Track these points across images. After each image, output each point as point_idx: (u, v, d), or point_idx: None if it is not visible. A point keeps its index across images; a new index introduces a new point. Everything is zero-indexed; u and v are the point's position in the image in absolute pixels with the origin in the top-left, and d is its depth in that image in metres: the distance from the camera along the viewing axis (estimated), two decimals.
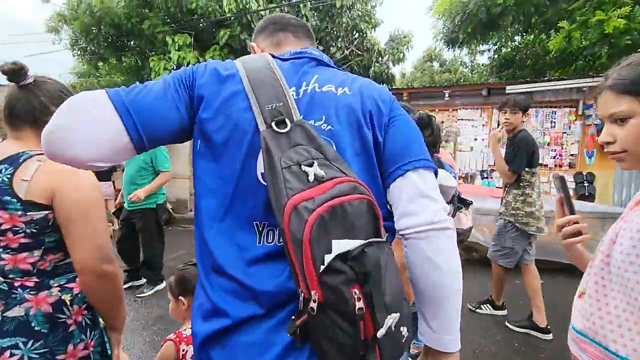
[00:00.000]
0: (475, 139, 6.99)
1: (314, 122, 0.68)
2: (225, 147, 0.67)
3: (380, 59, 10.37)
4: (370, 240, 0.56)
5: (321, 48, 9.36)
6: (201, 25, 8.46)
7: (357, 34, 10.14)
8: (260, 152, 0.64)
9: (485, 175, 6.91)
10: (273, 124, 0.63)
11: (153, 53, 8.70)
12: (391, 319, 0.55)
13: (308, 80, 0.72)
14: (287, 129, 0.63)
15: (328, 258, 0.52)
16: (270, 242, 0.66)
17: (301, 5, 8.43)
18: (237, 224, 0.67)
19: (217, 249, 0.67)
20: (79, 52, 10.25)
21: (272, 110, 0.64)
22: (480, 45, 11.15)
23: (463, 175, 6.98)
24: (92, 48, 10.14)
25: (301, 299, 0.56)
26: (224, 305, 0.65)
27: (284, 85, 0.68)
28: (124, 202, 3.38)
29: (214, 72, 0.70)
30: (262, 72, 0.69)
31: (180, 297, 1.47)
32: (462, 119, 7.08)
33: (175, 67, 8.33)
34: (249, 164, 0.67)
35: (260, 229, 0.67)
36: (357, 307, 0.52)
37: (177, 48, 8.06)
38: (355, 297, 0.52)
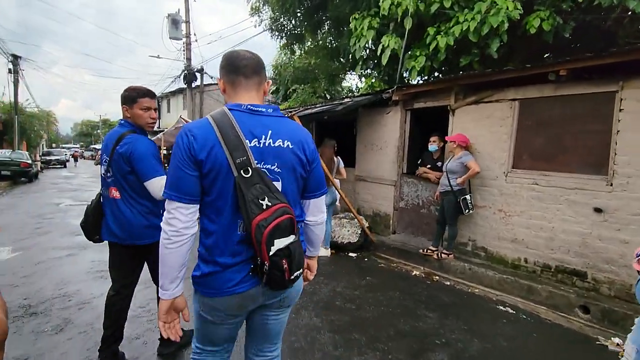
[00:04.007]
0: None
1: (270, 166, 1.27)
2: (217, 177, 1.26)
3: None
4: (290, 241, 1.23)
5: None
6: None
7: None
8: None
9: None
10: (242, 172, 1.20)
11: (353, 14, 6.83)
12: (297, 272, 1.28)
13: (266, 133, 1.27)
14: (249, 175, 1.20)
15: (273, 249, 1.18)
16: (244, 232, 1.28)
17: None
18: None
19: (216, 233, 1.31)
20: (277, 33, 9.69)
21: (240, 163, 1.20)
22: None
23: None
24: (290, 26, 9.41)
25: (259, 262, 1.22)
26: (217, 259, 1.29)
27: (244, 140, 1.23)
28: None
29: (200, 136, 1.23)
30: (229, 130, 1.22)
31: None
32: None
33: (379, 25, 6.21)
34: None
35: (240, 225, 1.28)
36: (284, 267, 1.21)
37: None
38: (284, 264, 1.21)
